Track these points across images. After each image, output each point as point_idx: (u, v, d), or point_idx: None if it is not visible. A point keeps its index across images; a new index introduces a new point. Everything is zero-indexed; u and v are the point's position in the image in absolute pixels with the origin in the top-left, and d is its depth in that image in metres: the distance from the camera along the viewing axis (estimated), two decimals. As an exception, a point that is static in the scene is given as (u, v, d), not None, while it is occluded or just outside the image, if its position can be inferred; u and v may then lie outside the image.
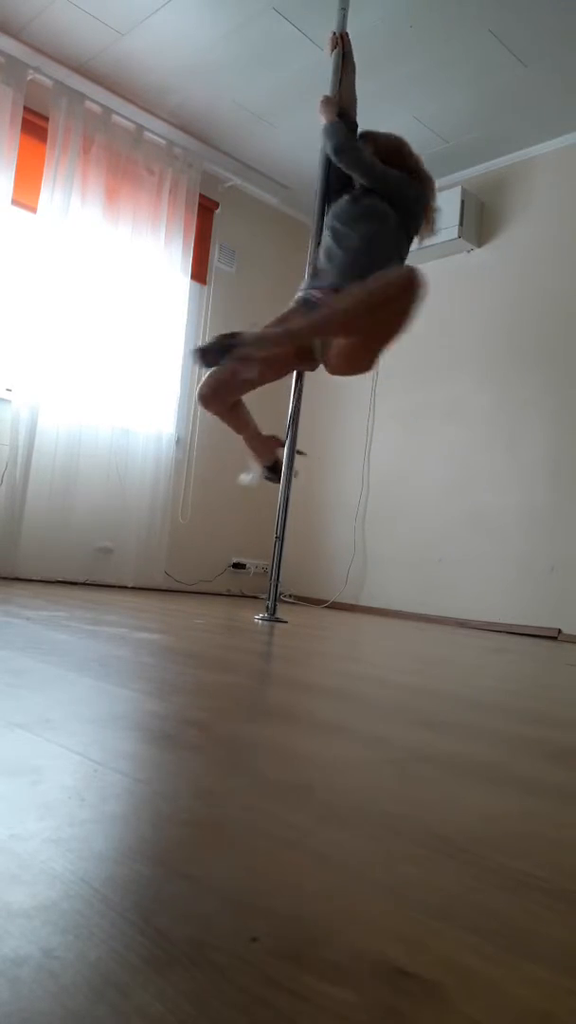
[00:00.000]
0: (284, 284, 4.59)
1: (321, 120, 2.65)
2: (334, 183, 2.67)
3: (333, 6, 2.84)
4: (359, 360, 2.41)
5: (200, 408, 2.52)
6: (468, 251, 4.05)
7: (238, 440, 2.69)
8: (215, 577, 4.28)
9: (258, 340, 2.29)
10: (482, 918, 0.40)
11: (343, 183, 2.65)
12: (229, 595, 4.31)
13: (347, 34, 2.79)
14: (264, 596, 4.11)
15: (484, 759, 0.78)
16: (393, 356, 2.93)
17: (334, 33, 2.78)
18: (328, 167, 2.71)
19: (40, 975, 0.29)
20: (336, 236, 2.52)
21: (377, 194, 2.50)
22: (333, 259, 2.49)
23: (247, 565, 4.39)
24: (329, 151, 2.56)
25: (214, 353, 2.30)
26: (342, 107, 2.72)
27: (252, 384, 2.47)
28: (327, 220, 2.60)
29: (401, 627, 3.15)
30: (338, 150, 2.52)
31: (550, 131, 3.73)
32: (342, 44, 2.76)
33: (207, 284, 4.30)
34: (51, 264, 3.43)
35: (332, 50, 2.77)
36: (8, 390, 3.44)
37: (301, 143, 4.00)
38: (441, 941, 0.36)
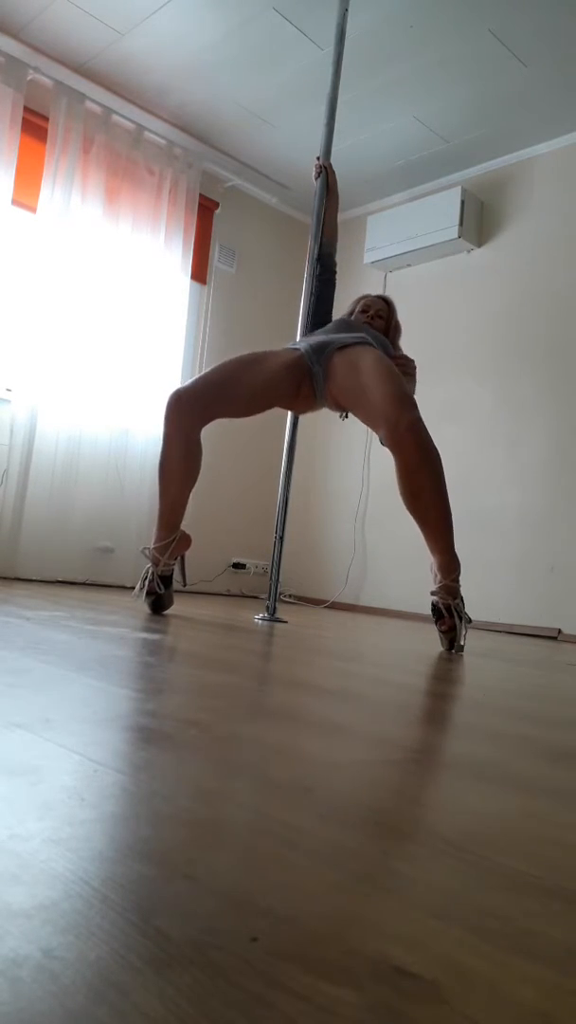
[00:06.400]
0: (284, 284, 4.59)
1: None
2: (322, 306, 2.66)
3: (333, 6, 2.85)
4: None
5: (167, 411, 2.25)
6: (468, 251, 4.05)
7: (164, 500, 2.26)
8: (215, 577, 4.28)
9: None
10: (482, 918, 0.40)
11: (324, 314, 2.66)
12: (229, 595, 4.31)
13: (331, 165, 2.74)
14: (264, 596, 4.11)
15: (484, 759, 0.78)
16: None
17: (318, 160, 2.72)
18: (322, 203, 2.68)
19: (40, 975, 0.29)
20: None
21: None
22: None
23: (247, 565, 4.39)
24: None
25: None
26: (323, 247, 2.68)
27: (235, 414, 2.36)
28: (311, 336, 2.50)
29: (401, 627, 3.15)
30: None
31: (550, 131, 3.73)
32: (327, 174, 2.71)
33: (207, 284, 4.30)
34: (51, 264, 3.43)
35: (317, 177, 2.71)
36: (8, 390, 3.44)
37: (301, 143, 4.01)
38: (441, 941, 0.36)
